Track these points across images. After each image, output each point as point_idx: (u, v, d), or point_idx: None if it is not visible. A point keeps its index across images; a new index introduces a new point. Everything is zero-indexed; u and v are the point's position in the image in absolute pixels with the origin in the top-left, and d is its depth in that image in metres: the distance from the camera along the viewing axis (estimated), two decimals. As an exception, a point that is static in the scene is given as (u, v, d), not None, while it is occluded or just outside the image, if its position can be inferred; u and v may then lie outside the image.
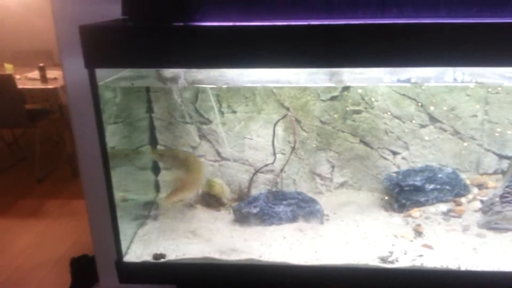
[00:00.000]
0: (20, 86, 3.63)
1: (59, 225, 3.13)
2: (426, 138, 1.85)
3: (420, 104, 1.81)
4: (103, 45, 1.28)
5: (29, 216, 3.26)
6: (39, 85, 3.78)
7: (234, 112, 1.87)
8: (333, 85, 1.76)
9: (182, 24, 1.28)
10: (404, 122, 1.84)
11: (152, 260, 1.56)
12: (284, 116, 1.82)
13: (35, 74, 3.94)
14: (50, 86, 3.75)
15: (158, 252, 1.58)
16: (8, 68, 3.98)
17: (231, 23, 1.25)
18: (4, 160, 4.21)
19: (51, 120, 3.97)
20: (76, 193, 3.46)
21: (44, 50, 4.62)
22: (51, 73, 3.94)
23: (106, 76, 1.46)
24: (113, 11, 1.45)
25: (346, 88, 1.80)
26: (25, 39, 4.79)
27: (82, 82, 1.72)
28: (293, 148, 1.86)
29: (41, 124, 3.85)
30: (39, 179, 3.80)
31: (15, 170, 4.08)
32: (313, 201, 1.78)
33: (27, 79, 3.95)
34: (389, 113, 1.83)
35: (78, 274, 2.52)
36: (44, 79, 3.83)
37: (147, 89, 1.83)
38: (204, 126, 1.90)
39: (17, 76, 3.84)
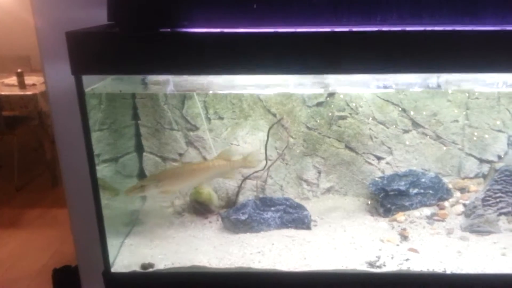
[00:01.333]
0: (-3, 93, 3.54)
1: (39, 235, 3.08)
2: (408, 143, 1.88)
3: (403, 109, 1.84)
4: (91, 52, 1.26)
5: (8, 227, 3.19)
6: (17, 91, 3.70)
7: (221, 118, 1.87)
8: (319, 91, 1.77)
9: (169, 30, 1.27)
10: (388, 128, 1.87)
11: (141, 270, 1.53)
12: (279, 120, 1.83)
13: (13, 80, 3.85)
14: (29, 93, 3.67)
15: (146, 262, 1.55)
16: (-17, 74, 3.88)
17: (218, 30, 1.25)
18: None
19: (30, 127, 3.88)
20: (57, 201, 3.40)
21: (21, 55, 4.51)
22: (29, 79, 3.85)
23: (90, 83, 1.43)
24: (97, 16, 1.43)
25: (332, 94, 1.82)
26: (2, 45, 4.67)
27: (65, 89, 1.71)
28: (281, 154, 1.87)
29: (20, 131, 3.75)
30: (18, 188, 3.70)
31: (-8, 179, 3.96)
32: (300, 207, 1.78)
33: (4, 85, 3.87)
34: (373, 118, 1.86)
35: (60, 286, 2.47)
36: (22, 85, 3.76)
37: (133, 96, 1.81)
38: (191, 133, 1.89)
39: (-6, 82, 3.75)
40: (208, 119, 1.86)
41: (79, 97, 1.32)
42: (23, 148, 4.06)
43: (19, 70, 3.76)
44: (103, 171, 1.63)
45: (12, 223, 3.24)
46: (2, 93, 3.62)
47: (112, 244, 1.56)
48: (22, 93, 3.67)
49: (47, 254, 2.82)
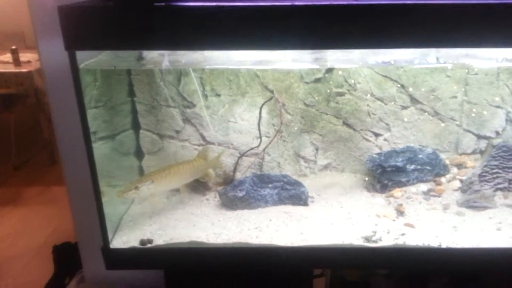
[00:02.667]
0: (-9, 70, 3.49)
1: (38, 212, 3.08)
2: (406, 119, 1.87)
3: (401, 85, 1.83)
4: (84, 27, 1.23)
5: (7, 205, 3.19)
6: (12, 69, 3.64)
7: (218, 95, 1.85)
8: (316, 67, 1.75)
9: (164, 4, 1.24)
10: (386, 104, 1.86)
11: (140, 246, 1.54)
12: (271, 99, 1.81)
13: (7, 57, 3.79)
14: (24, 70, 3.62)
15: (145, 238, 1.56)
16: (-22, 51, 3.82)
17: (214, 3, 1.22)
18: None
19: (26, 105, 3.84)
20: (55, 179, 3.41)
21: (15, 32, 4.43)
22: (24, 56, 3.80)
23: (85, 58, 1.41)
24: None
25: (330, 70, 1.80)
26: (-5, 21, 4.58)
27: (60, 65, 1.68)
28: (278, 131, 1.86)
29: (16, 109, 3.71)
30: (16, 166, 3.69)
31: (-10, 158, 3.96)
32: (298, 183, 1.78)
33: None
34: (371, 95, 1.84)
35: (61, 262, 2.50)
36: (17, 62, 3.70)
37: (128, 72, 1.79)
38: (188, 110, 1.87)
39: (-13, 60, 3.70)
40: (205, 96, 1.84)
41: (73, 73, 1.30)
42: (20, 126, 4.03)
43: (13, 47, 3.69)
44: (100, 148, 1.62)
45: (11, 201, 3.24)
46: (-3, 70, 3.56)
47: (110, 220, 1.57)
48: (17, 70, 3.62)
49: (47, 231, 2.83)
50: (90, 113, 1.51)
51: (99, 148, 1.61)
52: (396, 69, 1.79)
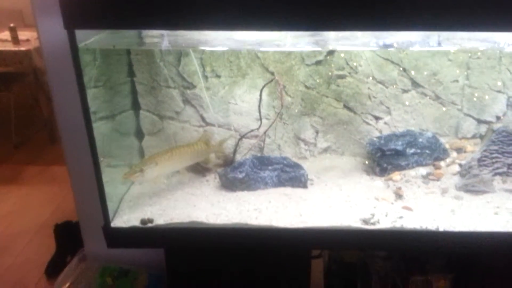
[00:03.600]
0: (-11, 48, 3.44)
1: (39, 191, 3.09)
2: (407, 103, 1.86)
3: (403, 69, 1.81)
4: (83, 5, 1.21)
5: (8, 183, 3.20)
6: (10, 47, 3.60)
7: (218, 76, 1.83)
8: (318, 49, 1.74)
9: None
10: (387, 87, 1.84)
11: (140, 225, 1.55)
12: (271, 81, 1.80)
13: (6, 35, 3.75)
14: (23, 48, 3.58)
15: (146, 217, 1.57)
16: (-23, 28, 3.77)
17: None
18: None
19: (25, 83, 3.81)
20: (56, 158, 3.40)
21: (14, 9, 4.36)
22: (22, 34, 3.75)
23: (84, 37, 1.39)
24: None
25: (331, 53, 1.78)
26: (-8, -2, 4.51)
27: (60, 44, 1.68)
28: (278, 114, 1.86)
29: (15, 88, 3.68)
30: (16, 145, 3.68)
31: (-11, 137, 3.94)
32: (297, 166, 1.78)
33: None
34: (372, 78, 1.83)
35: (62, 240, 2.53)
36: (15, 40, 3.66)
37: (128, 52, 1.77)
38: (188, 91, 1.86)
39: (-15, 38, 3.65)
40: (205, 77, 1.83)
41: (73, 52, 1.28)
42: (19, 105, 4.02)
43: (11, 25, 3.65)
44: (100, 128, 1.61)
45: (11, 180, 3.24)
46: (-5, 48, 3.52)
47: (111, 200, 1.58)
48: (16, 49, 3.58)
49: (48, 210, 2.84)
50: (90, 93, 1.50)
51: (99, 128, 1.60)
52: (398, 52, 1.77)
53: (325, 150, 1.96)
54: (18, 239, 2.60)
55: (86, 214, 2.08)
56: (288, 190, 1.74)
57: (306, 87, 1.85)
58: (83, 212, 2.08)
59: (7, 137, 3.78)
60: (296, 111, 1.89)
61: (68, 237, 2.48)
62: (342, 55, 1.79)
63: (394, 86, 1.85)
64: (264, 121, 1.86)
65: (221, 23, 1.25)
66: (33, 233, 2.65)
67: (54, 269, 2.41)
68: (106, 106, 1.68)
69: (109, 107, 1.71)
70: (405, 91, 1.85)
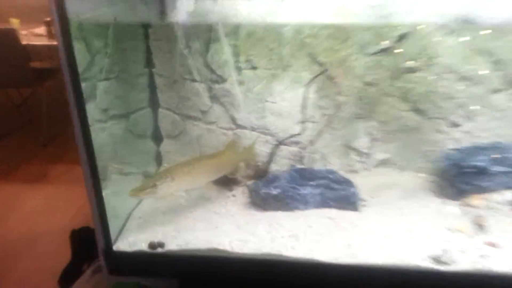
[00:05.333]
0: (25, 42, 3.50)
1: (64, 191, 3.12)
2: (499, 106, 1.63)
3: (496, 61, 1.56)
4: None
5: (33, 182, 3.27)
6: (45, 42, 3.67)
7: (254, 68, 1.66)
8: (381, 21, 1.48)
9: None
10: (472, 86, 1.60)
11: (148, 250, 1.38)
12: (321, 73, 1.60)
13: (41, 30, 3.87)
14: (56, 42, 3.57)
15: (156, 240, 1.39)
16: (14, 22, 3.96)
17: None
18: (12, 123, 4.20)
19: (59, 79, 3.85)
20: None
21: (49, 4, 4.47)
22: (59, 29, 3.78)
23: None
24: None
25: (402, 37, 1.55)
26: (30, -7, 4.68)
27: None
28: (333, 115, 1.67)
29: (48, 85, 3.76)
30: (44, 143, 3.83)
31: (21, 133, 4.07)
32: (347, 182, 1.62)
33: (33, 35, 3.87)
34: (453, 72, 1.58)
35: (78, 248, 2.47)
36: (50, 34, 3.75)
37: (145, 36, 1.62)
38: (217, 86, 1.69)
39: (23, 32, 3.73)
40: (238, 69, 1.64)
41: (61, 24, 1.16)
42: (52, 102, 4.15)
43: (47, 19, 3.70)
44: (111, 128, 1.51)
45: (37, 178, 3.34)
46: (31, 42, 3.64)
47: (117, 216, 1.45)
48: (49, 43, 3.67)
49: (71, 211, 2.88)
50: (100, 86, 1.42)
51: (111, 129, 1.51)
52: (492, 39, 1.49)
53: (383, 162, 1.78)
54: (38, 242, 2.64)
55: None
56: (333, 212, 1.58)
57: (364, 83, 1.65)
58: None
59: (36, 134, 3.91)
60: (348, 113, 1.69)
61: (85, 244, 2.42)
62: (416, 40, 1.53)
63: (482, 84, 1.59)
64: (309, 124, 1.67)
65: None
66: (54, 236, 2.68)
67: (68, 278, 2.32)
68: (119, 102, 1.57)
69: (122, 103, 1.61)
70: (495, 91, 1.59)
